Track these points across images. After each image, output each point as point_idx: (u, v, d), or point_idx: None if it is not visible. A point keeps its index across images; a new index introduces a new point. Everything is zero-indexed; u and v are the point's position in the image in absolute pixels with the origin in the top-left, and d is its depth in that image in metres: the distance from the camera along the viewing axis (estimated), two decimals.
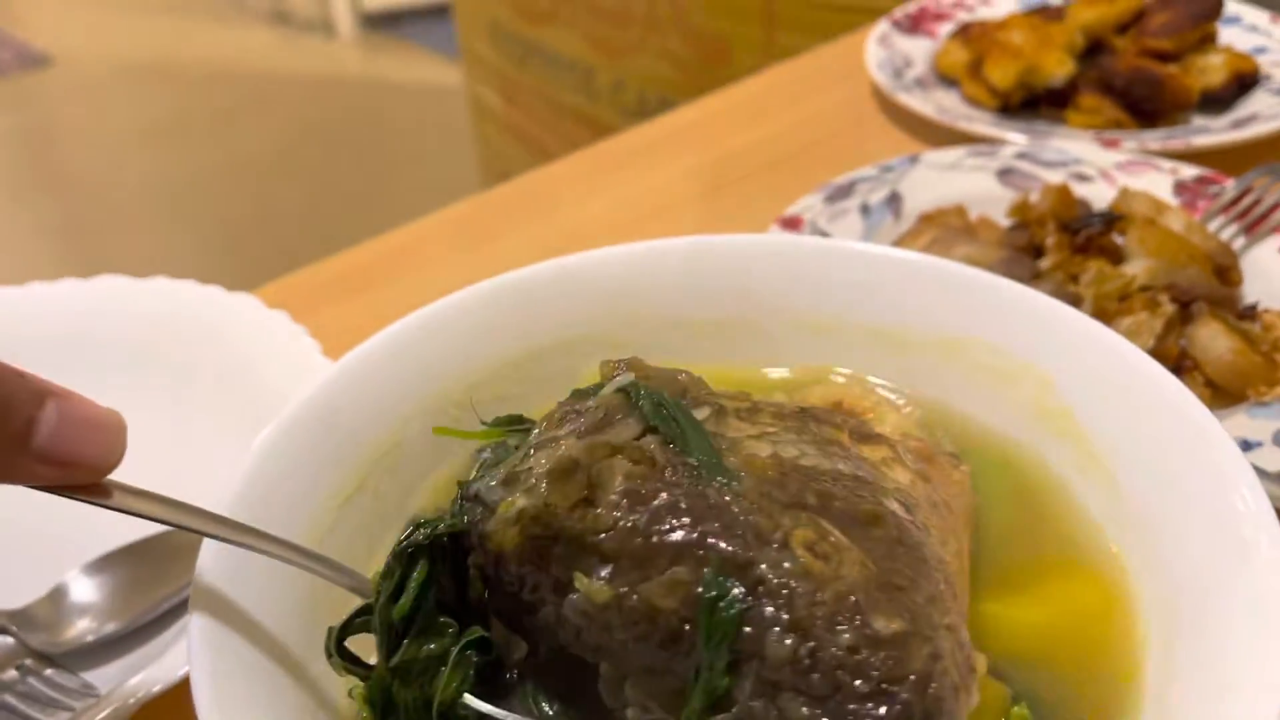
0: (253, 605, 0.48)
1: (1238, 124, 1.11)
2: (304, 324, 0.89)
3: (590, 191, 1.21)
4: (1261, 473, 0.69)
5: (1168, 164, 1.03)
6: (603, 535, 0.43)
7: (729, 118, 1.32)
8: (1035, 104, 1.18)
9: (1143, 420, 0.54)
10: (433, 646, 0.47)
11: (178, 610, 0.66)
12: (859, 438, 0.51)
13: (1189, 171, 1.02)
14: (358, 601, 0.49)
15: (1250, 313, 0.87)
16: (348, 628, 0.48)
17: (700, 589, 0.40)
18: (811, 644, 0.39)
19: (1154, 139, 1.10)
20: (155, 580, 0.67)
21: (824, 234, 0.98)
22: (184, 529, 0.45)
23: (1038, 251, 0.91)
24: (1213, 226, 0.96)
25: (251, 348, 0.83)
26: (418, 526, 0.48)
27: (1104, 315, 0.82)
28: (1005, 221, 0.96)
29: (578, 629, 0.43)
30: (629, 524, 0.42)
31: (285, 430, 0.54)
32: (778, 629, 0.39)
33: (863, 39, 1.38)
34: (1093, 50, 1.20)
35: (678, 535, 0.42)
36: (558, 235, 1.13)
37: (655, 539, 0.42)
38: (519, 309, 0.65)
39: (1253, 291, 0.90)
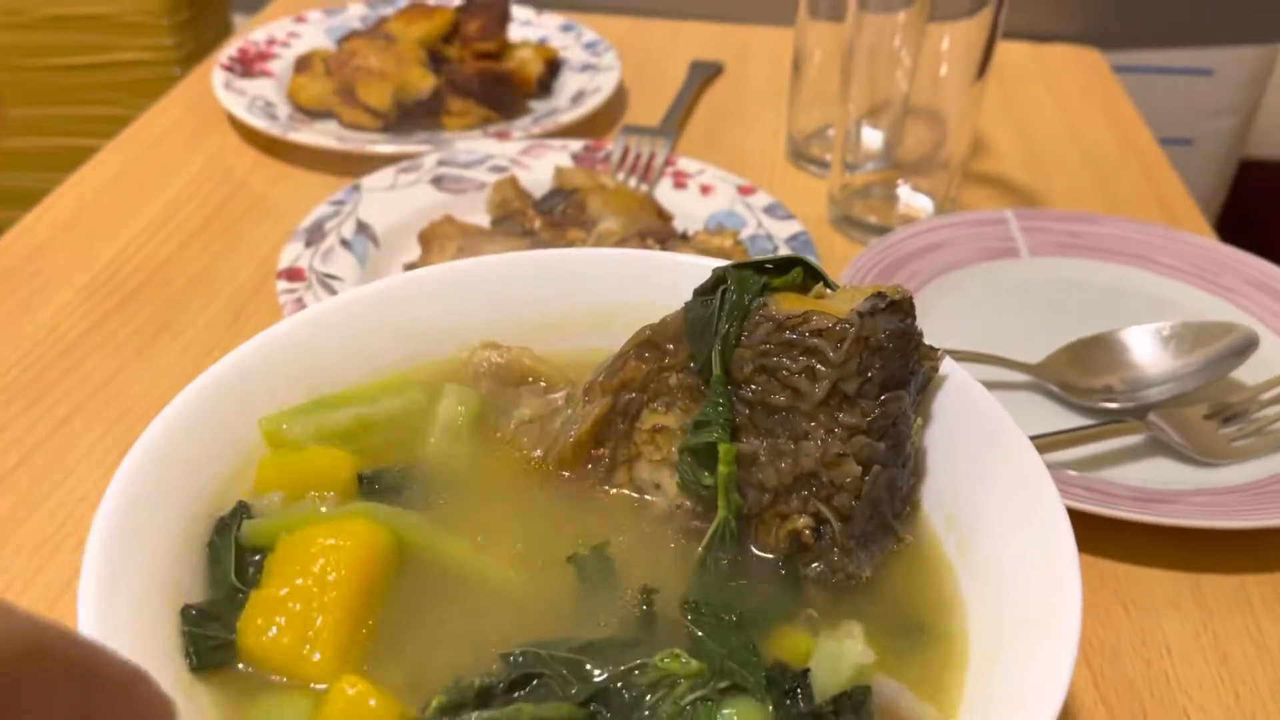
0: None
1: (577, 100, 1.33)
2: None
3: None
4: None
5: (557, 142, 1.21)
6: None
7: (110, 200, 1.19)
8: (410, 116, 1.27)
9: None
10: None
11: None
12: None
13: (576, 144, 1.21)
14: None
15: (687, 238, 1.09)
16: None
17: None
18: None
19: (529, 125, 1.27)
20: None
21: (329, 275, 0.98)
22: None
23: (529, 235, 1.02)
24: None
25: None
26: None
27: None
28: (483, 220, 1.05)
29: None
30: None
31: None
32: None
33: (197, 93, 1.34)
34: (434, 61, 1.32)
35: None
36: None
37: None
38: None
39: (678, 223, 1.12)
